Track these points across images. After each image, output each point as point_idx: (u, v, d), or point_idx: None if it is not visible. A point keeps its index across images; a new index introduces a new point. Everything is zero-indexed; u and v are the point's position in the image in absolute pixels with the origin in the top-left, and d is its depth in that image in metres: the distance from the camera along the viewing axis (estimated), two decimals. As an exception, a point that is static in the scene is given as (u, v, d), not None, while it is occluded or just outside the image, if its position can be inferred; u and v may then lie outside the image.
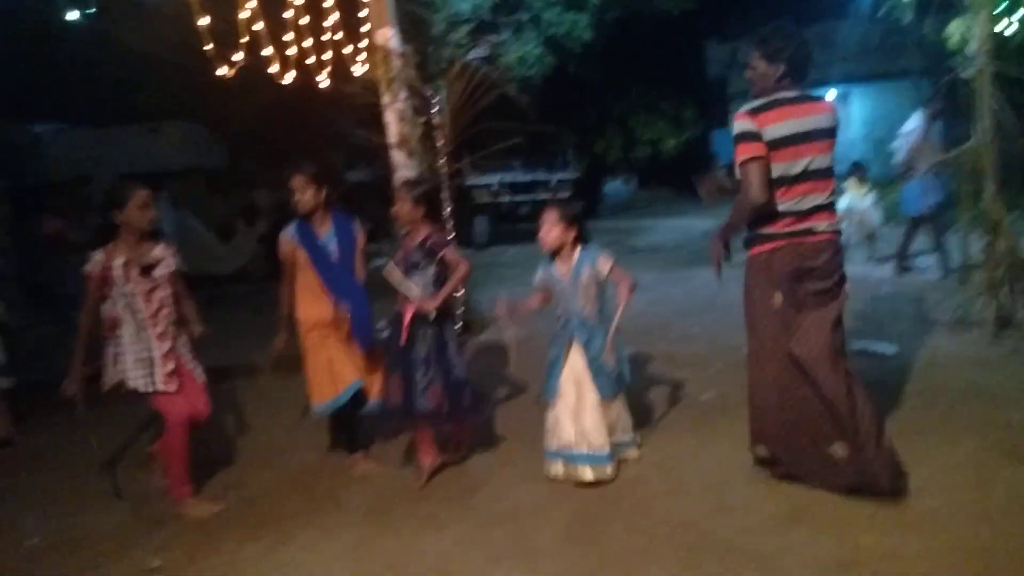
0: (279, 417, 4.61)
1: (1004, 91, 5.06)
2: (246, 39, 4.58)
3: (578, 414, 3.48)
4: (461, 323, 6.30)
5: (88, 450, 4.38)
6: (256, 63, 4.77)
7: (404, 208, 3.72)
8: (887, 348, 5.06)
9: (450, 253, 3.70)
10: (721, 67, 20.04)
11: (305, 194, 3.76)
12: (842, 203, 8.44)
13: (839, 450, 3.08)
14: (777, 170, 3.09)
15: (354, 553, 3.08)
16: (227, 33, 4.59)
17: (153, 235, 3.61)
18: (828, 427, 3.10)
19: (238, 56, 4.60)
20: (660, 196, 20.28)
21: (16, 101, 11.62)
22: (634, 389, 4.63)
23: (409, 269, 3.72)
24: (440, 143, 6.44)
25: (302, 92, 6.00)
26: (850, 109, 19.76)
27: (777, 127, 3.07)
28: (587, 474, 3.46)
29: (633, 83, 18.32)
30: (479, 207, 13.22)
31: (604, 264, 3.49)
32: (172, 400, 3.51)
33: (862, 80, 18.84)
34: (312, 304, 3.80)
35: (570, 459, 3.49)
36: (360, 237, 3.96)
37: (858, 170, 8.62)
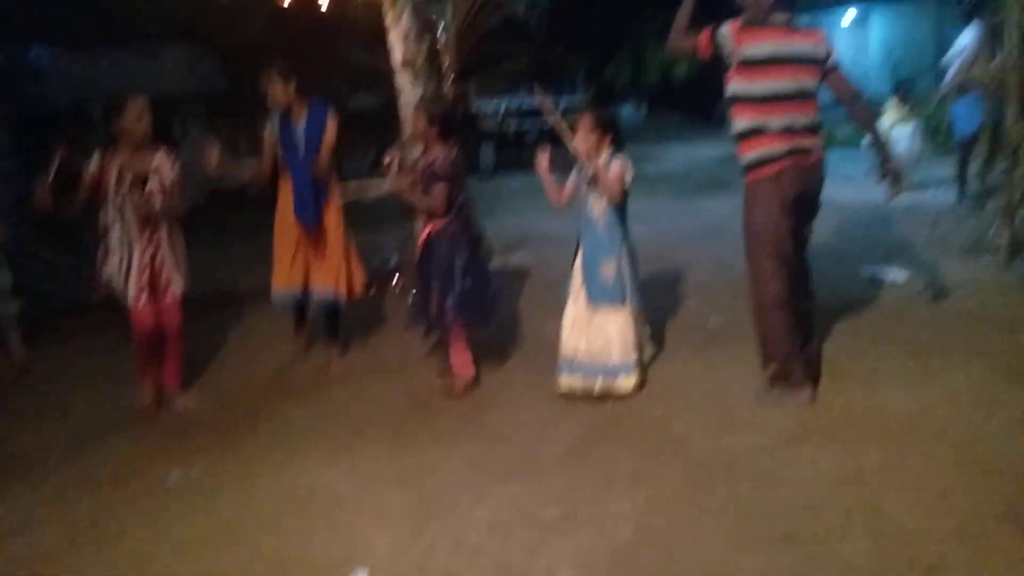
0: (288, 337, 4.65)
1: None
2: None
3: (586, 325, 3.54)
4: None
5: (103, 369, 4.46)
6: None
7: (419, 125, 3.74)
8: (898, 274, 5.04)
9: (438, 187, 3.66)
10: (735, -11, 19.27)
11: (275, 89, 3.94)
12: (882, 126, 8.13)
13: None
14: (761, 89, 3.20)
15: (365, 467, 3.15)
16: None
17: (155, 143, 3.68)
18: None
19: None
20: (670, 123, 19.87)
21: (11, 24, 11.30)
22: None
23: (425, 190, 3.76)
24: (445, 65, 6.27)
25: (303, 14, 5.80)
26: (868, 31, 19.11)
27: (759, 47, 3.20)
28: (621, 384, 3.53)
29: (645, 5, 17.69)
30: (484, 134, 12.98)
31: (617, 165, 3.44)
32: (138, 312, 3.68)
33: (882, 0, 18.15)
34: (286, 195, 4.07)
35: (576, 370, 3.56)
36: (330, 125, 4.04)
37: (902, 90, 8.07)
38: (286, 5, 4.97)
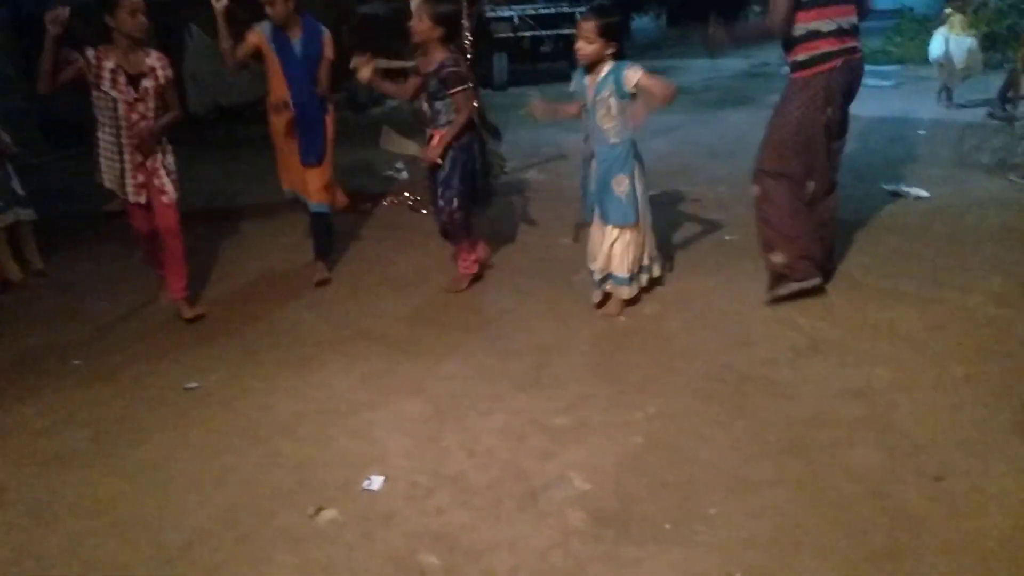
0: (305, 252, 4.66)
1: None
2: None
3: (596, 236, 3.53)
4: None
5: (119, 275, 4.51)
6: None
7: (422, 26, 3.57)
8: (920, 191, 4.93)
9: (458, 95, 3.64)
10: None
11: (275, 4, 3.87)
12: (936, 42, 7.75)
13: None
14: None
15: (381, 378, 3.20)
16: None
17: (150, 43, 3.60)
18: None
19: None
20: (689, 34, 19.16)
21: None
22: (659, 229, 4.61)
23: (429, 98, 3.65)
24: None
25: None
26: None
27: None
28: (621, 292, 3.54)
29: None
30: (498, 43, 12.53)
31: (632, 76, 3.23)
32: (135, 212, 3.70)
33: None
34: (275, 89, 4.11)
35: (603, 279, 3.56)
36: (327, 47, 4.06)
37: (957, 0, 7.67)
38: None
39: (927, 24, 9.33)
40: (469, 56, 6.18)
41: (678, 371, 3.06)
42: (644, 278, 3.63)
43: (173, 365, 3.43)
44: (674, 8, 21.68)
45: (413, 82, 3.86)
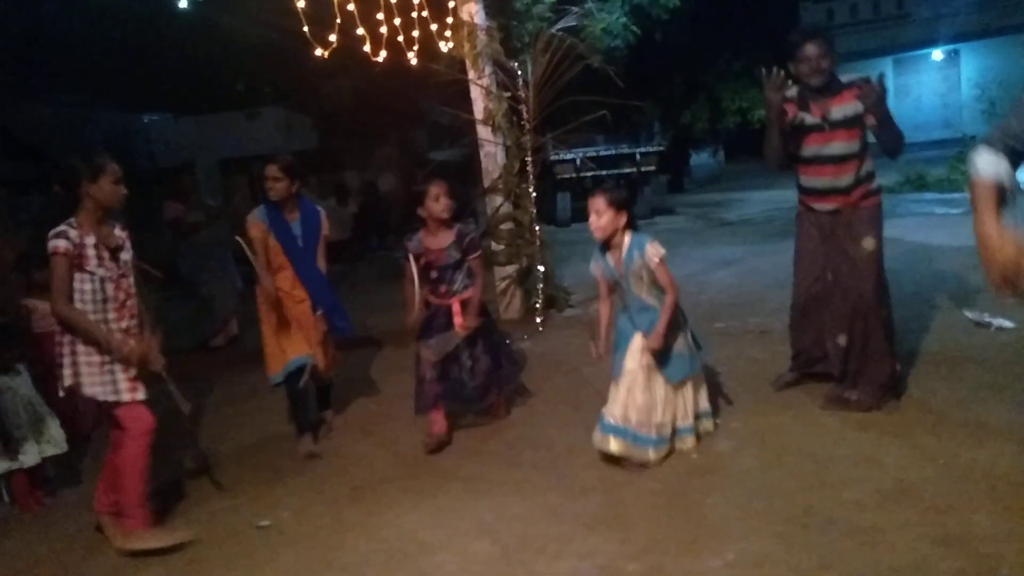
0: (374, 388, 4.77)
1: None
2: (339, 20, 4.70)
3: (640, 394, 3.38)
4: (543, 298, 6.32)
5: (176, 421, 4.68)
6: (348, 43, 4.88)
7: (439, 206, 3.85)
8: (1005, 321, 4.75)
9: (477, 260, 3.96)
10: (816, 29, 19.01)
11: (278, 184, 3.97)
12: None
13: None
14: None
15: (448, 516, 3.17)
16: (321, 15, 4.72)
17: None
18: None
19: (332, 37, 4.72)
20: (748, 168, 19.60)
21: (125, 91, 12.36)
22: (728, 364, 4.56)
23: (446, 268, 3.92)
24: (525, 118, 6.44)
25: (389, 72, 6.10)
26: (960, 70, 18.43)
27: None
28: (647, 455, 3.36)
29: (722, 50, 17.68)
30: (561, 182, 13.13)
31: (653, 254, 3.35)
32: (136, 408, 3.13)
33: (974, 37, 17.54)
34: (277, 270, 4.07)
35: (623, 436, 3.37)
36: (324, 226, 4.17)
37: None
38: (380, 60, 5.20)
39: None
40: (534, 195, 6.52)
41: (757, 513, 2.92)
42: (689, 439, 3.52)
43: (245, 501, 3.49)
44: (731, 144, 22.38)
45: (409, 270, 3.92)
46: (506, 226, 6.53)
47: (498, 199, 6.55)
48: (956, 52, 18.92)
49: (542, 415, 4.20)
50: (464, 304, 3.93)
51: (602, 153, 13.32)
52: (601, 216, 3.36)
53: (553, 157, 12.70)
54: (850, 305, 3.65)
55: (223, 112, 13.35)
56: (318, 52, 4.71)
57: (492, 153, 6.54)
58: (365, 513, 3.27)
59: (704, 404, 3.62)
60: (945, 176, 12.09)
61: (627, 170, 13.21)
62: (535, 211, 6.46)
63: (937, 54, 19.35)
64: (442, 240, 3.91)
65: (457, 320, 3.90)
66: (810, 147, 3.66)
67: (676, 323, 3.44)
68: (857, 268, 3.64)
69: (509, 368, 4.22)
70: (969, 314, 4.93)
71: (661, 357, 3.39)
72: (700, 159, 22.54)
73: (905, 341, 4.30)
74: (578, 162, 13.11)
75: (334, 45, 4.74)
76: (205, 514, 3.42)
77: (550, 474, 3.47)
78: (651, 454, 3.37)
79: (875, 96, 3.45)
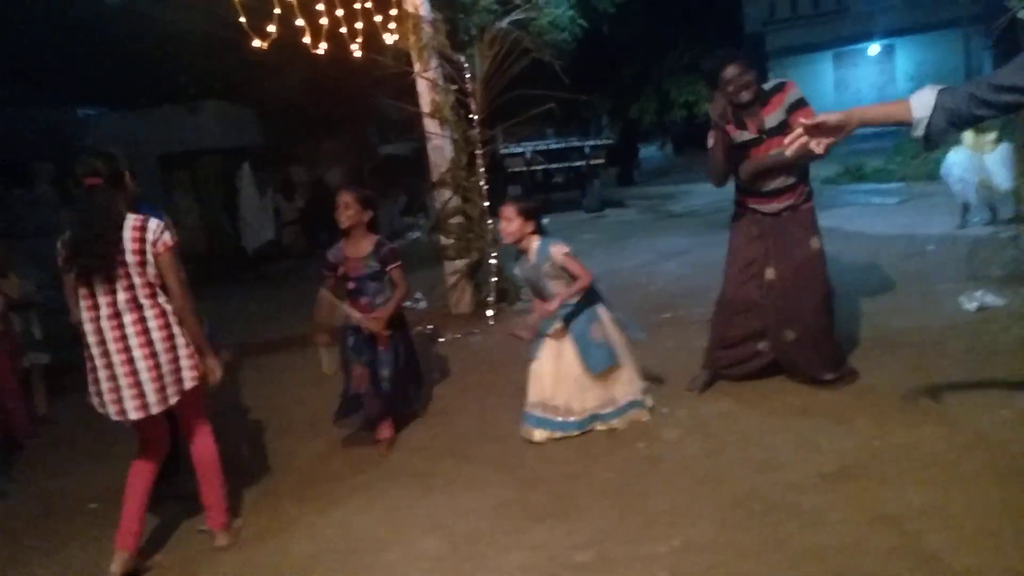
0: (322, 388, 4.69)
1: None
2: (278, 10, 4.60)
3: (554, 382, 3.60)
4: (495, 292, 6.33)
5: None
6: (289, 35, 4.79)
7: (350, 212, 3.78)
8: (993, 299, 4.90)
9: (397, 271, 3.83)
10: (759, 23, 19.44)
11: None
12: (957, 159, 7.23)
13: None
14: None
15: (399, 512, 3.15)
16: (260, 6, 4.61)
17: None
18: None
19: (271, 28, 4.62)
20: (696, 161, 19.92)
21: (60, 84, 11.89)
22: (672, 353, 4.64)
23: (363, 279, 3.82)
24: (472, 111, 6.42)
25: (335, 66, 6.01)
26: (895, 64, 19.05)
27: None
28: (550, 436, 3.59)
29: (668, 44, 17.93)
30: (512, 176, 13.15)
31: (557, 252, 3.53)
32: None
33: (908, 32, 18.13)
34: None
35: (538, 422, 3.62)
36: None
37: None
38: (321, 52, 5.10)
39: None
40: (486, 188, 6.50)
41: (703, 499, 2.98)
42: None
43: (190, 508, 3.40)
44: (679, 137, 22.75)
45: (329, 279, 3.88)
46: (455, 220, 6.51)
47: (447, 193, 6.53)
48: (892, 47, 19.54)
49: (493, 408, 4.20)
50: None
51: (552, 147, 13.38)
52: (511, 223, 3.57)
53: (503, 151, 12.70)
54: (795, 302, 3.72)
55: (163, 106, 12.94)
56: (256, 43, 4.60)
57: (440, 147, 6.50)
58: (317, 513, 3.23)
59: (636, 394, 3.71)
60: (882, 166, 12.50)
61: (577, 163, 13.30)
62: (487, 204, 6.46)
63: (874, 48, 19.95)
64: (362, 249, 3.82)
65: (358, 315, 3.72)
66: (753, 160, 3.75)
67: (593, 314, 3.60)
68: (803, 268, 3.73)
69: (413, 392, 4.06)
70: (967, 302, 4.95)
71: (580, 348, 3.57)
72: (649, 152, 22.85)
73: (842, 327, 4.43)
74: (528, 155, 13.13)
75: (273, 36, 4.64)
76: (149, 520, 3.32)
77: (501, 468, 3.48)
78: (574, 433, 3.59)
79: (795, 97, 3.63)
